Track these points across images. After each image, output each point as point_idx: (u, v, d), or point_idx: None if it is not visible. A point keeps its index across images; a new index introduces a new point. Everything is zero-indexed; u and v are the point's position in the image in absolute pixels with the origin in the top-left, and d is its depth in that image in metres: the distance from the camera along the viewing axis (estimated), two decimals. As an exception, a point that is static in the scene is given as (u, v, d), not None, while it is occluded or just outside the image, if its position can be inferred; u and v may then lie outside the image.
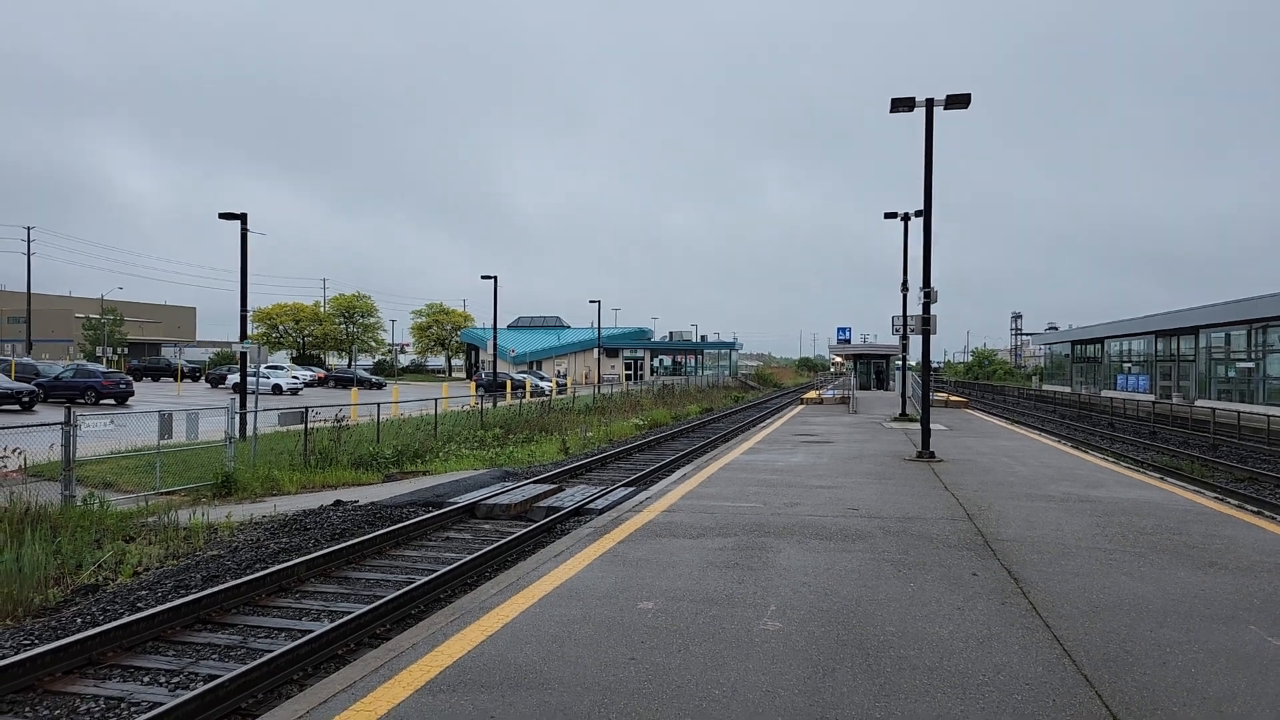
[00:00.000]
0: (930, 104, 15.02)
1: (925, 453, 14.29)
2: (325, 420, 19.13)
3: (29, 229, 66.98)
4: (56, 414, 12.60)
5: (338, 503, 13.12)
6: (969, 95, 14.81)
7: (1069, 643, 4.97)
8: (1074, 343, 60.46)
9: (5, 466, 10.28)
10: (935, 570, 6.66)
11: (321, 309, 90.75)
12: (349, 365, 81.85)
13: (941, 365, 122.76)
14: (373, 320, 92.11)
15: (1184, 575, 6.53)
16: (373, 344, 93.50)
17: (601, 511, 11.36)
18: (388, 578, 8.92)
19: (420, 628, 5.39)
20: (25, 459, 11.51)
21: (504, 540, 10.24)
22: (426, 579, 8.29)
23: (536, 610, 5.62)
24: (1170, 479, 13.09)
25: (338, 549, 9.40)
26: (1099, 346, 54.37)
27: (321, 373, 64.75)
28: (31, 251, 67.21)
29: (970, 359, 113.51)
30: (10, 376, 36.96)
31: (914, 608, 5.66)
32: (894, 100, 15.18)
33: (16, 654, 6.19)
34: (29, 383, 34.55)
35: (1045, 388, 65.22)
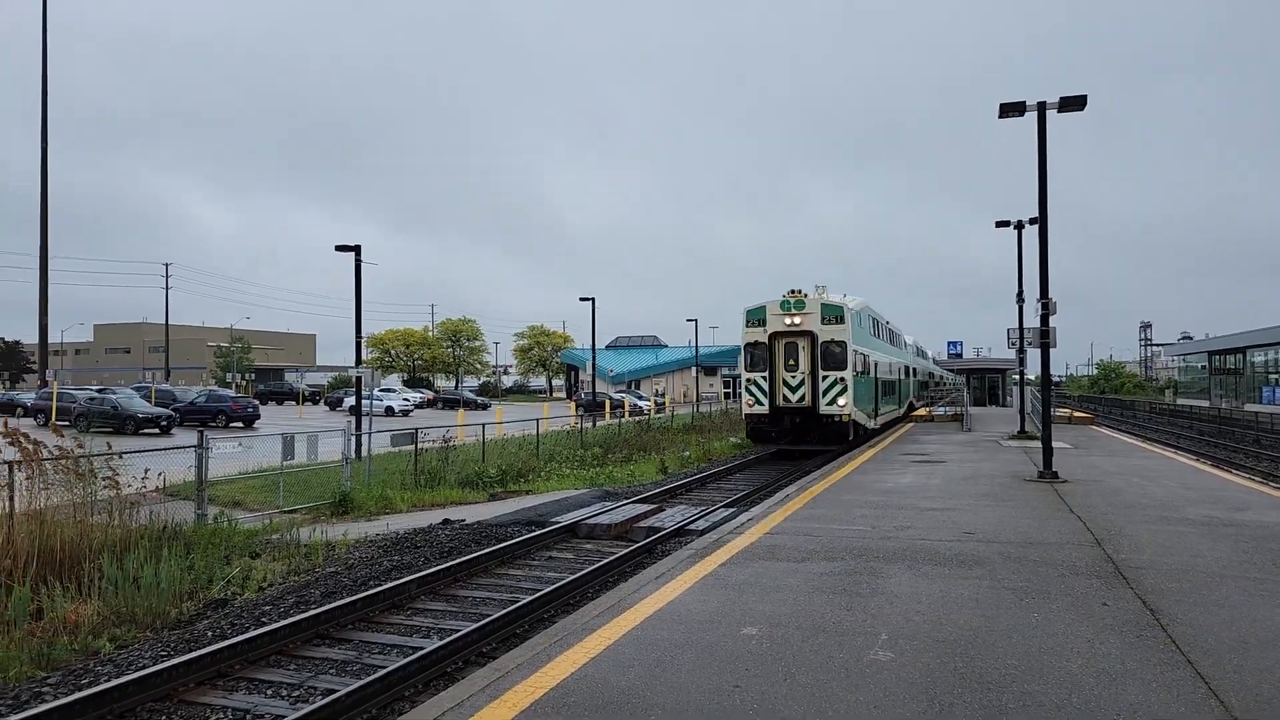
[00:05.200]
0: (1042, 108, 14.33)
1: (1047, 473, 13.50)
2: (434, 441, 19.78)
3: (167, 265, 72.65)
4: (191, 437, 13.52)
5: (446, 521, 13.49)
6: (1084, 97, 14.06)
7: (1216, 681, 4.55)
8: (1211, 353, 56.23)
9: (145, 487, 11.06)
10: (1061, 599, 6.25)
11: (429, 333, 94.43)
12: (455, 387, 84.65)
13: (1064, 379, 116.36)
14: (477, 343, 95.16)
15: (1351, 610, 5.89)
16: (478, 366, 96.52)
17: (702, 533, 11.24)
18: (493, 596, 9.08)
19: (525, 648, 5.44)
20: (164, 479, 12.37)
21: (605, 561, 10.27)
22: (530, 599, 8.38)
23: (638, 633, 5.58)
24: (1329, 501, 11.89)
25: (446, 567, 9.65)
26: (1240, 356, 50.34)
27: (430, 395, 67.20)
28: (170, 286, 72.82)
29: (1094, 372, 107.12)
30: (151, 402, 40.00)
31: (1038, 639, 5.31)
32: (1003, 105, 14.58)
33: (155, 665, 6.61)
34: (167, 407, 37.33)
35: (1180, 402, 60.79)
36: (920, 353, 46.32)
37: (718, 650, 5.18)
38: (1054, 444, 14.26)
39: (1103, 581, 6.76)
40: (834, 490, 12.53)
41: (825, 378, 21.42)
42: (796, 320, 21.65)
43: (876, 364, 26.06)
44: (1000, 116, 14.69)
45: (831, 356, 21.47)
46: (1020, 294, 23.33)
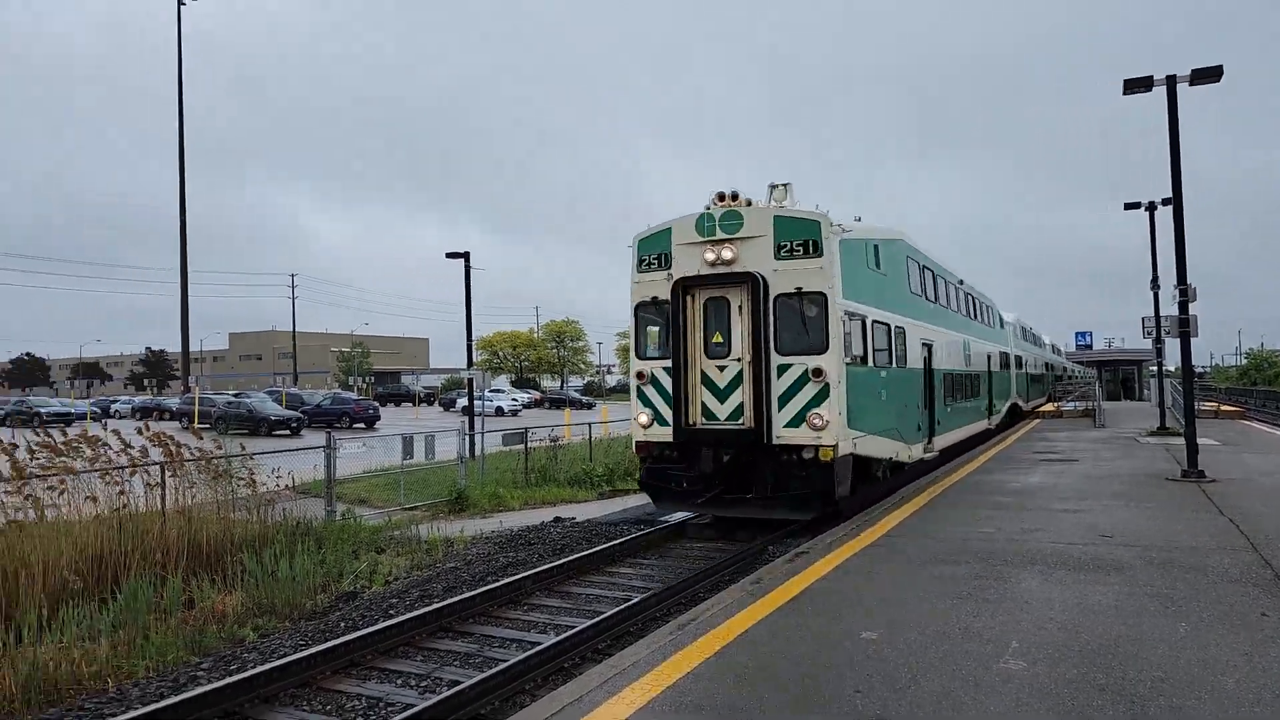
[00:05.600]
0: (1172, 81, 13.29)
1: (1192, 471, 12.53)
2: (542, 440, 20.23)
3: (293, 275, 77.32)
4: (318, 437, 14.34)
5: (557, 519, 13.76)
6: (1220, 68, 12.95)
7: (1405, 705, 4.10)
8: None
9: (279, 485, 11.79)
10: (1212, 608, 5.78)
11: (535, 335, 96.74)
12: (561, 387, 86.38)
13: (1208, 370, 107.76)
14: (581, 344, 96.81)
15: None
16: (582, 366, 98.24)
17: (816, 533, 11.01)
18: (606, 593, 9.18)
19: (640, 645, 5.47)
20: (293, 478, 13.15)
21: (715, 561, 10.22)
22: (641, 597, 8.43)
23: (752, 635, 5.52)
24: None
25: (560, 564, 9.84)
26: None
27: (537, 395, 68.87)
28: (295, 296, 77.44)
29: (1244, 361, 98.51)
30: (281, 405, 42.62)
31: (1187, 651, 4.94)
32: (1127, 81, 13.59)
33: (295, 654, 7.02)
34: (296, 410, 39.71)
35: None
36: (1029, 336, 34.40)
37: (836, 655, 5.06)
38: (1199, 440, 13.20)
39: (1260, 589, 6.22)
40: (954, 491, 12.04)
41: (782, 369, 10.70)
42: (726, 254, 10.85)
43: (930, 347, 15.10)
44: (1125, 93, 13.71)
45: (797, 323, 10.77)
46: (1155, 280, 21.76)
